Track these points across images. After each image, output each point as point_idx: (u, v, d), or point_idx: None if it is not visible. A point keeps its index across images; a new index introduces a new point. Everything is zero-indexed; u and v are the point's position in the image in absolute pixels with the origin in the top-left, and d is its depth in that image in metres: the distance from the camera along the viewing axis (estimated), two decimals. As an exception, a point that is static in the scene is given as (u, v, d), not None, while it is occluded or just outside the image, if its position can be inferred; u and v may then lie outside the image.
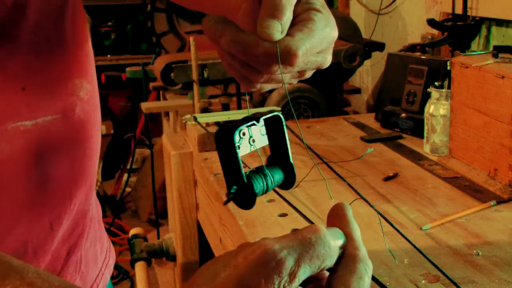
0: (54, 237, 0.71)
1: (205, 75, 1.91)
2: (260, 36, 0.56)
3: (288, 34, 0.57)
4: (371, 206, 1.01)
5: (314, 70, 0.64)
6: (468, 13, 2.02)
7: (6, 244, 0.65)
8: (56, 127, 0.71)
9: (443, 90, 1.35)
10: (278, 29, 0.56)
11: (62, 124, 0.72)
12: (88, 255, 0.80)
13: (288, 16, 0.57)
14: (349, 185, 1.16)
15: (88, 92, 0.77)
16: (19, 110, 0.66)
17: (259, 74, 0.60)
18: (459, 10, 2.07)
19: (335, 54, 2.03)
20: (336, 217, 0.50)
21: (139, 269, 1.60)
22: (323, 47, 0.60)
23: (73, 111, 0.74)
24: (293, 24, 0.58)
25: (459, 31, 1.99)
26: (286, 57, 0.56)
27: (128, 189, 3.71)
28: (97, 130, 0.82)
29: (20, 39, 0.64)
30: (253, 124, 0.56)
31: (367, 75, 3.13)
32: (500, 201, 1.10)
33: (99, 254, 0.84)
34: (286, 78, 0.61)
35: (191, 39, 1.66)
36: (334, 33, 0.61)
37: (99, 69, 1.53)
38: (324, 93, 2.05)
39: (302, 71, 0.62)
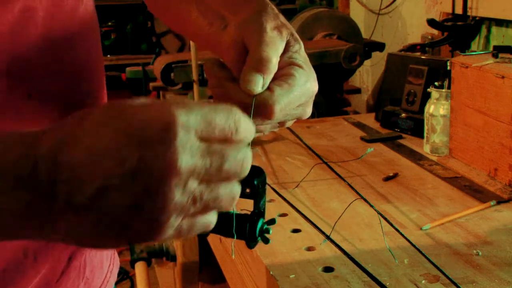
0: (56, 242, 0.71)
1: (205, 75, 1.91)
2: (241, 88, 0.58)
3: (268, 87, 0.58)
4: (371, 206, 1.01)
5: (294, 120, 0.65)
6: (468, 13, 2.02)
7: (6, 249, 0.65)
8: None
9: (443, 90, 1.35)
10: (259, 84, 0.58)
11: None
12: (94, 261, 0.78)
13: (272, 69, 0.58)
14: (349, 185, 1.16)
15: (96, 100, 0.77)
16: (24, 118, 0.65)
17: None
18: (459, 10, 2.07)
19: (335, 54, 2.04)
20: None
21: (139, 269, 1.60)
22: (302, 101, 0.62)
23: None
24: (274, 77, 0.59)
25: (459, 31, 1.99)
26: (264, 111, 0.58)
27: (128, 189, 3.70)
28: None
29: (28, 45, 0.64)
30: None
31: (367, 75, 3.13)
32: (500, 201, 1.10)
33: (105, 261, 0.83)
34: (266, 128, 0.63)
35: None
36: (314, 88, 0.63)
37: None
38: (324, 93, 2.05)
39: (282, 122, 0.64)
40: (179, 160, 0.41)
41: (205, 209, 0.45)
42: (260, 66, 0.58)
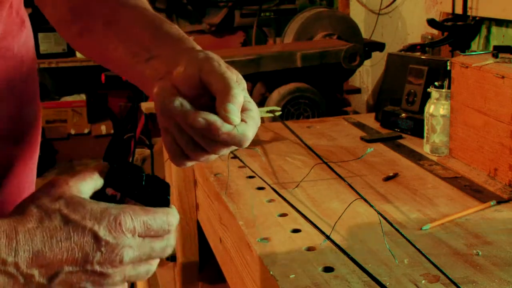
0: None
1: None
2: (224, 119, 0.63)
3: (242, 119, 0.65)
4: (371, 206, 1.01)
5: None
6: (468, 13, 2.02)
7: None
8: None
9: (443, 90, 1.35)
10: (238, 115, 0.64)
11: None
12: None
13: (241, 105, 0.65)
14: (349, 185, 1.15)
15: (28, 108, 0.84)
16: None
17: (203, 152, 0.67)
18: (459, 10, 2.07)
19: (335, 54, 2.03)
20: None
21: (139, 269, 1.60)
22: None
23: None
24: None
25: (459, 31, 1.99)
26: (242, 141, 0.65)
27: (128, 189, 3.70)
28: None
29: None
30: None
31: (367, 75, 3.13)
32: (500, 201, 1.10)
33: None
34: (214, 156, 0.69)
35: (191, 39, 1.65)
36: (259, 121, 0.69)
37: (99, 69, 1.53)
38: (324, 93, 2.04)
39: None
40: (125, 256, 0.59)
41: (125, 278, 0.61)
42: (234, 101, 0.64)
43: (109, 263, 0.58)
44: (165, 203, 0.63)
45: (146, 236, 0.60)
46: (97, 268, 0.58)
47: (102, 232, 0.58)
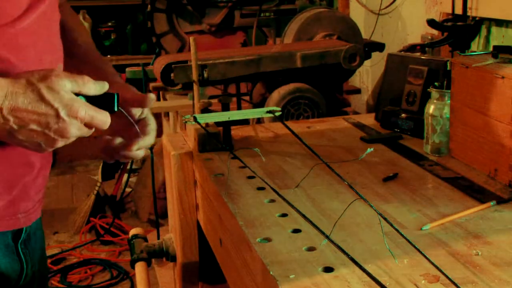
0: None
1: (205, 75, 1.91)
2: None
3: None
4: (371, 206, 1.01)
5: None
6: (468, 13, 2.03)
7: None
8: None
9: (443, 90, 1.35)
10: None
11: None
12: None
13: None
14: (349, 185, 1.15)
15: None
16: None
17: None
18: (459, 10, 2.07)
19: (335, 54, 2.03)
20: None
21: (139, 269, 1.60)
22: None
23: None
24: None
25: (459, 31, 1.99)
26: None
27: (128, 189, 3.70)
28: None
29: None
30: None
31: (367, 75, 3.14)
32: (500, 201, 1.10)
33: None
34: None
35: (191, 39, 1.65)
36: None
37: (99, 69, 1.53)
38: (324, 93, 2.05)
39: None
40: (72, 134, 0.89)
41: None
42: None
43: (60, 134, 0.87)
44: (111, 109, 0.93)
45: (87, 125, 0.90)
46: (52, 134, 0.87)
47: (63, 113, 0.86)
